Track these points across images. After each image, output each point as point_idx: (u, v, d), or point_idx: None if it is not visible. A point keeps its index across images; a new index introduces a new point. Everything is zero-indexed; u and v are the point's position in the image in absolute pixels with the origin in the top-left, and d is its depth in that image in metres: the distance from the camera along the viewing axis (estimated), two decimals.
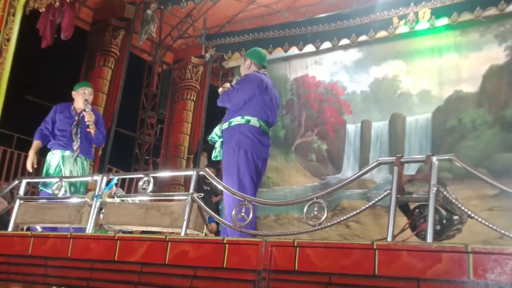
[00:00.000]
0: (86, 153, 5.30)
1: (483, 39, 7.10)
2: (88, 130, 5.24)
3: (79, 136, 5.23)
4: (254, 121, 4.16)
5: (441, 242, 2.51)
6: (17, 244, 3.82)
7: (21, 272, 3.69)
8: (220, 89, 4.39)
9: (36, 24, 7.50)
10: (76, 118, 5.31)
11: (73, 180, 4.98)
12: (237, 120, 4.16)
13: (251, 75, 4.33)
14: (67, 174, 5.07)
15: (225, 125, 4.23)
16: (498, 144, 6.77)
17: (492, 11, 6.71)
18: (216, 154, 4.31)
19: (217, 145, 4.29)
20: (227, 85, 4.35)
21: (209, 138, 4.39)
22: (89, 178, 4.96)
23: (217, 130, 4.29)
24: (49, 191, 4.78)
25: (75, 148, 5.18)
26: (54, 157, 5.21)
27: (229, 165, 4.15)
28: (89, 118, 5.23)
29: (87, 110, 5.26)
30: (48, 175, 5.13)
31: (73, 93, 5.40)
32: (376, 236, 2.75)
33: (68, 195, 4.38)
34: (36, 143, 5.25)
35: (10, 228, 4.16)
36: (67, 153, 5.19)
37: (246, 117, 4.15)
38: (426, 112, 7.48)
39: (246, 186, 4.02)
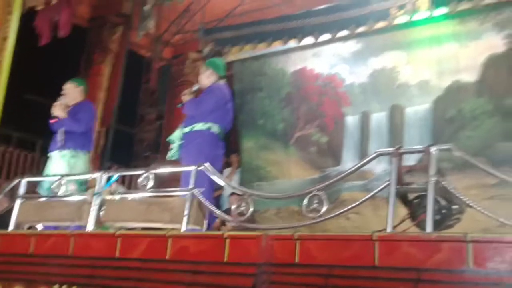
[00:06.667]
0: (73, 145, 5.21)
1: (482, 28, 7.05)
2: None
3: (61, 128, 5.21)
4: (215, 128, 4.54)
5: (440, 232, 2.51)
6: (19, 243, 3.83)
7: (23, 271, 3.70)
8: (184, 97, 4.69)
9: (34, 22, 7.48)
10: None
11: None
12: (199, 126, 4.52)
13: (216, 87, 4.67)
14: (54, 172, 5.05)
15: (187, 129, 4.57)
16: (498, 133, 6.73)
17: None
18: (172, 154, 4.70)
19: (174, 146, 4.67)
20: (188, 91, 4.72)
21: (168, 139, 4.78)
22: (88, 176, 4.94)
23: (178, 133, 4.64)
24: (43, 192, 4.80)
25: (58, 139, 5.17)
26: (48, 160, 5.30)
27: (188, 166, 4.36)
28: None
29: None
30: None
31: None
32: (377, 227, 2.75)
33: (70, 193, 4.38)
34: None
35: (11, 227, 4.16)
36: (54, 152, 5.23)
37: (208, 124, 4.51)
38: (426, 102, 7.43)
39: (204, 185, 4.10)
